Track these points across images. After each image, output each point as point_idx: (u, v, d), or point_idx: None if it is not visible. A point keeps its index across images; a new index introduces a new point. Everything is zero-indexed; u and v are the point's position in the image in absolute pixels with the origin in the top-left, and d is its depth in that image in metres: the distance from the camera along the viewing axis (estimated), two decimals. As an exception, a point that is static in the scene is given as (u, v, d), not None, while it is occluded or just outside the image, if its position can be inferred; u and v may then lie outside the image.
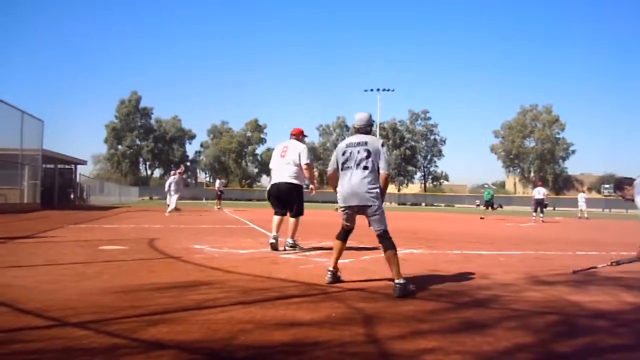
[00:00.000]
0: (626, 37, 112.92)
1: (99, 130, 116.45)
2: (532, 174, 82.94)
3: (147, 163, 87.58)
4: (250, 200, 62.92)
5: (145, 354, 2.70)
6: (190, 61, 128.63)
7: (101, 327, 3.15)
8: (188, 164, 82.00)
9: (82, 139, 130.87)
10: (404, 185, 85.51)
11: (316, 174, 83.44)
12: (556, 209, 50.81)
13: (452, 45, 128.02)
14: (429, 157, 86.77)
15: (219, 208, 26.83)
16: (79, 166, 35.64)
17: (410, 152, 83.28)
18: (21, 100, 73.83)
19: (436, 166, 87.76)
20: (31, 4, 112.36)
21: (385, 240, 4.74)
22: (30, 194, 22.04)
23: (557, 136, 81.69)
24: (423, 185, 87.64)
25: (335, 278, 4.93)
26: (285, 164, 7.63)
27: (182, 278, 5.08)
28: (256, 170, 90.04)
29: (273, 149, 8.27)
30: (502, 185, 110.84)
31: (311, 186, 8.00)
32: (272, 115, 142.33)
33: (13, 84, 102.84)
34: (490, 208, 25.17)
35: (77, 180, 35.61)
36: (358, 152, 4.75)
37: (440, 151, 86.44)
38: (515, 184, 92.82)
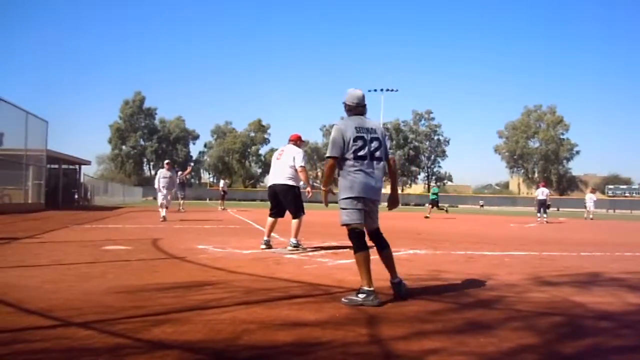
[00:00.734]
0: (631, 37, 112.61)
1: (103, 131, 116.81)
2: (536, 175, 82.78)
3: (151, 163, 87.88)
4: (253, 200, 62.91)
5: (149, 354, 2.70)
6: (194, 62, 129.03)
7: (105, 327, 3.16)
8: (192, 163, 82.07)
9: (86, 139, 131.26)
10: (408, 185, 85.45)
11: (319, 174, 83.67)
12: (560, 209, 50.67)
13: (456, 45, 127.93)
14: (432, 157, 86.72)
15: (223, 208, 26.88)
16: (83, 166, 35.76)
17: (413, 152, 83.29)
18: (25, 101, 74.09)
19: (440, 167, 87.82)
20: (34, 4, 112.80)
21: (382, 236, 4.46)
22: (34, 194, 22.11)
23: (562, 137, 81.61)
24: (427, 185, 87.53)
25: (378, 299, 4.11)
26: (281, 167, 7.78)
27: (185, 278, 5.09)
28: (259, 170, 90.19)
29: (277, 149, 8.37)
30: (506, 185, 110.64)
31: (307, 188, 8.02)
32: (276, 115, 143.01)
33: (17, 84, 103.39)
34: (435, 207, 24.54)
35: (81, 180, 35.69)
36: (371, 140, 4.28)
37: (444, 152, 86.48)
38: (519, 185, 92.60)
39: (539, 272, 6.01)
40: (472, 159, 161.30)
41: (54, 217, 16.26)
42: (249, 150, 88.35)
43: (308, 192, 8.01)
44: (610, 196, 79.70)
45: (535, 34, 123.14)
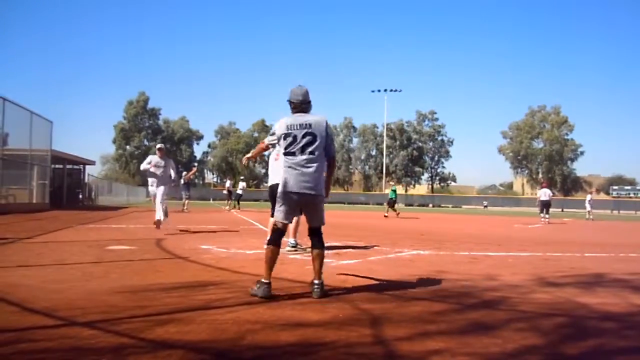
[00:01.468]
0: (635, 38, 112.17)
1: (107, 131, 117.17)
2: (540, 175, 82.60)
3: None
4: (257, 200, 62.95)
5: (153, 354, 2.71)
6: (198, 62, 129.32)
7: (109, 326, 3.17)
8: (196, 164, 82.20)
9: (90, 139, 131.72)
10: (411, 186, 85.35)
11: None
12: (564, 210, 50.52)
13: (460, 45, 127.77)
14: (436, 158, 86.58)
15: (228, 209, 26.92)
16: (87, 166, 35.88)
17: (417, 153, 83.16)
18: (30, 101, 74.39)
19: (443, 167, 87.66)
20: (37, 4, 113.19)
21: (320, 237, 4.50)
22: (39, 194, 22.19)
23: (566, 137, 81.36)
24: (430, 186, 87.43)
25: (270, 291, 4.22)
26: (278, 167, 7.73)
27: (189, 278, 5.09)
28: (263, 170, 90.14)
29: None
30: (509, 186, 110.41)
31: None
32: (279, 115, 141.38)
33: (22, 84, 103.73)
34: (391, 207, 24.46)
35: (86, 180, 35.85)
36: (303, 135, 4.33)
37: (447, 152, 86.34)
38: (523, 185, 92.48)
39: (542, 273, 6.00)
40: (476, 160, 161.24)
41: (58, 217, 16.31)
42: (252, 150, 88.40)
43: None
44: (614, 197, 79.45)
45: (540, 34, 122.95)
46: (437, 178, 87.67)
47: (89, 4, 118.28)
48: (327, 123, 4.47)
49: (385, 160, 75.53)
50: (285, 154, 4.40)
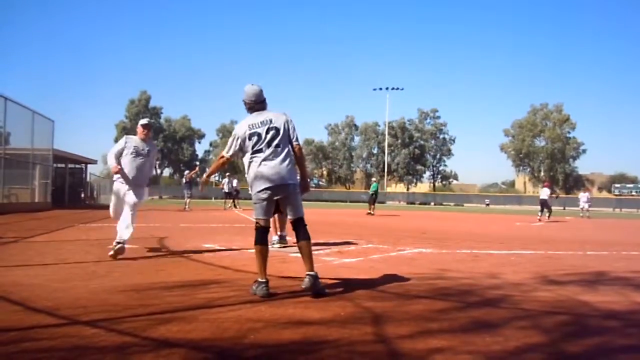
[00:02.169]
0: (638, 35, 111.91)
1: (109, 130, 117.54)
2: (542, 173, 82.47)
3: (157, 162, 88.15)
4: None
5: (155, 352, 2.71)
6: (199, 61, 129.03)
7: (111, 325, 3.17)
8: (198, 162, 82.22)
9: (92, 138, 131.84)
10: (413, 184, 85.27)
11: (324, 172, 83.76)
12: (566, 208, 50.44)
13: (462, 43, 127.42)
14: (438, 156, 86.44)
15: (237, 208, 26.78)
16: (89, 165, 35.92)
17: (419, 151, 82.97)
18: (32, 101, 74.45)
19: (445, 165, 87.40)
20: (40, 4, 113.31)
21: (303, 228, 4.44)
22: (41, 193, 22.22)
23: (568, 135, 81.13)
24: (432, 184, 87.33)
25: (268, 290, 4.20)
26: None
27: (191, 277, 5.10)
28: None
29: None
30: (512, 184, 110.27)
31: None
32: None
33: (23, 84, 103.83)
34: (372, 204, 24.35)
35: (88, 179, 35.88)
36: (267, 131, 4.41)
37: (449, 150, 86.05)
38: (525, 184, 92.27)
39: (544, 271, 6.00)
40: (478, 158, 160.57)
41: (61, 216, 16.34)
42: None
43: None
44: (616, 195, 79.32)
45: (542, 31, 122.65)
46: (439, 176, 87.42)
47: (90, 3, 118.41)
48: (286, 115, 4.55)
49: (386, 159, 75.44)
50: (253, 152, 4.43)
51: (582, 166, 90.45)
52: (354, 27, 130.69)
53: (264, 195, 4.38)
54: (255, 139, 4.42)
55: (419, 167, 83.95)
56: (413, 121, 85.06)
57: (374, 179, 30.50)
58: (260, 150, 4.40)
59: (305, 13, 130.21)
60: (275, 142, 4.40)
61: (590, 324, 3.66)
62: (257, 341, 2.95)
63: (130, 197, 6.65)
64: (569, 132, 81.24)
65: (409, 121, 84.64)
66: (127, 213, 6.63)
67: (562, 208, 46.90)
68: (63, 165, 30.43)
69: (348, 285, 4.78)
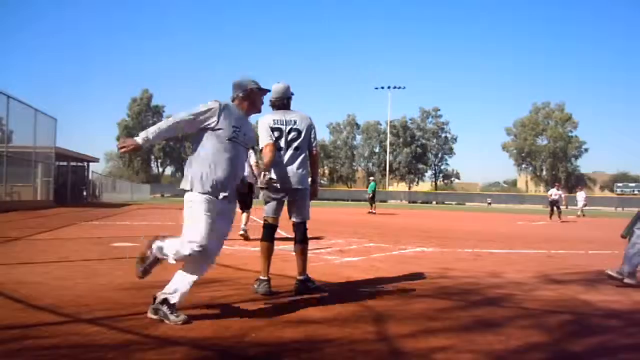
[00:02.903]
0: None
1: (111, 128, 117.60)
2: (544, 172, 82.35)
3: (159, 161, 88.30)
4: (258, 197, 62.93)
5: (157, 350, 2.72)
6: (201, 59, 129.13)
7: (114, 323, 3.18)
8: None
9: (94, 136, 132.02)
10: (415, 183, 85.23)
11: (326, 171, 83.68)
12: (568, 207, 50.32)
13: (464, 42, 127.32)
14: (439, 155, 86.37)
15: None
16: (91, 164, 35.93)
17: (421, 150, 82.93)
18: (34, 99, 74.49)
19: (447, 164, 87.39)
20: (41, 3, 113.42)
21: (304, 231, 4.47)
22: (43, 191, 22.26)
23: (570, 134, 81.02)
24: (434, 183, 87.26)
25: (269, 288, 4.26)
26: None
27: (193, 275, 5.10)
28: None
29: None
30: (513, 183, 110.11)
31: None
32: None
33: (26, 82, 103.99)
34: (371, 202, 24.37)
35: (90, 177, 35.89)
36: (289, 131, 4.39)
37: (451, 149, 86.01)
38: (527, 182, 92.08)
39: (547, 270, 5.99)
40: (480, 157, 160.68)
41: (63, 214, 16.36)
42: (255, 147, 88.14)
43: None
44: (619, 194, 79.10)
45: (544, 30, 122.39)
46: (441, 175, 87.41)
47: (92, 1, 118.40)
48: (311, 120, 4.53)
49: (388, 158, 75.43)
50: None
51: (584, 165, 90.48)
52: (356, 26, 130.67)
53: (277, 195, 4.39)
54: (276, 134, 4.38)
55: (420, 166, 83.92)
56: (415, 120, 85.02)
57: (371, 178, 30.55)
58: (279, 148, 4.37)
59: (307, 12, 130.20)
60: (295, 144, 4.39)
61: (592, 323, 3.65)
62: (258, 340, 2.96)
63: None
64: (571, 131, 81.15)
65: (410, 120, 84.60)
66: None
67: (564, 207, 46.80)
68: (65, 164, 30.45)
69: (349, 284, 4.79)
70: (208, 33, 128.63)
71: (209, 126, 3.39)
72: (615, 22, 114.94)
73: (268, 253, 4.37)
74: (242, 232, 8.74)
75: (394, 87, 68.80)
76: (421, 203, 64.02)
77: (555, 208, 21.05)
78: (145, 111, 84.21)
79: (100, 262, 5.94)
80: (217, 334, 3.04)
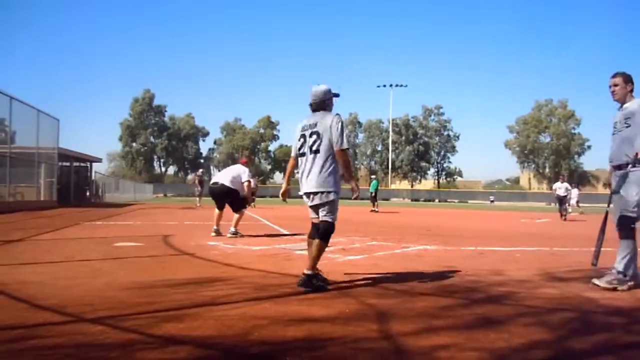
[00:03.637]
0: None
1: (113, 128, 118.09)
2: (547, 170, 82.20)
3: (162, 160, 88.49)
4: (263, 197, 63.03)
5: (161, 350, 2.73)
6: (203, 59, 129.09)
7: (117, 322, 3.19)
8: (202, 170, 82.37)
9: (97, 137, 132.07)
10: (417, 181, 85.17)
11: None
12: (579, 205, 50.25)
13: (466, 39, 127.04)
14: (442, 153, 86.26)
15: (251, 206, 26.48)
16: (94, 164, 36.00)
17: (423, 148, 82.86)
18: (37, 100, 74.63)
19: (450, 162, 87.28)
20: (44, 3, 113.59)
21: (323, 229, 4.51)
22: (46, 191, 22.31)
23: (573, 131, 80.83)
24: (436, 181, 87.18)
25: (321, 280, 4.42)
26: (226, 172, 9.82)
27: (196, 274, 5.11)
28: (269, 167, 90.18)
29: (286, 146, 8.85)
30: (516, 181, 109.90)
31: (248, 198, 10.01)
32: (285, 111, 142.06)
33: (28, 83, 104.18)
34: (373, 201, 24.47)
35: (93, 177, 35.97)
36: (310, 135, 4.49)
37: (453, 147, 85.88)
38: (529, 180, 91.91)
39: (549, 268, 5.98)
40: (483, 154, 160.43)
41: (66, 214, 16.40)
42: (258, 146, 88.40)
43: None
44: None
45: (546, 27, 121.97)
46: (443, 173, 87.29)
47: (94, 2, 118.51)
48: (333, 119, 4.47)
49: (391, 156, 75.42)
50: (299, 154, 4.62)
51: (587, 162, 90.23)
52: (357, 24, 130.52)
53: (305, 198, 4.58)
54: (301, 141, 4.57)
55: (423, 164, 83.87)
56: (417, 118, 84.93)
57: (373, 176, 30.58)
58: (303, 154, 4.56)
59: (309, 9, 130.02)
60: (315, 147, 4.46)
61: (596, 321, 3.65)
62: (261, 338, 2.96)
63: None
64: (574, 128, 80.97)
65: (413, 118, 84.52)
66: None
67: (575, 204, 46.66)
68: (68, 164, 30.51)
69: (352, 283, 4.79)
70: (209, 32, 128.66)
71: None
72: (619, 19, 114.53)
73: (311, 247, 4.50)
74: (230, 234, 9.20)
75: (396, 85, 68.87)
76: (424, 201, 64.03)
77: (565, 205, 19.75)
78: (147, 111, 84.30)
79: (103, 261, 5.95)
80: (220, 332, 3.04)
